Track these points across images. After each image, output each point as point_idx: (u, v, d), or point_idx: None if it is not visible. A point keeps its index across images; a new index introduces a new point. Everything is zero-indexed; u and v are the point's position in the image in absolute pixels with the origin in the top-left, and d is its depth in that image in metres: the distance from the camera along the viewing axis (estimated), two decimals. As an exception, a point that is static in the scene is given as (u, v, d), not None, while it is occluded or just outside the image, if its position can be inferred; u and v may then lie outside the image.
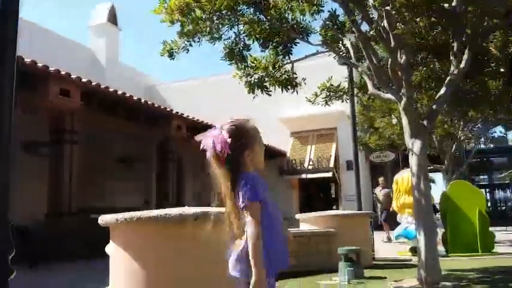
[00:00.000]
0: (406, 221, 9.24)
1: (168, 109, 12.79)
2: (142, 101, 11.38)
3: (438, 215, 10.08)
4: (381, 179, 13.59)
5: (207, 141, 1.91)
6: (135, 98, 11.00)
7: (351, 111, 10.05)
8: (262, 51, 7.26)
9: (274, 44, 7.16)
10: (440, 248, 8.11)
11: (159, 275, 3.15)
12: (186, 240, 3.19)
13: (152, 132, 12.64)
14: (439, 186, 28.10)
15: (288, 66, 7.36)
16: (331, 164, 18.04)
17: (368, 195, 18.22)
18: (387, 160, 17.03)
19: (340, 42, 7.56)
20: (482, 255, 8.46)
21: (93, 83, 9.71)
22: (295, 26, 7.02)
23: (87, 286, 5.80)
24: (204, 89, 20.98)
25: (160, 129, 12.55)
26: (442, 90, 6.03)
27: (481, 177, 29.73)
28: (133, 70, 23.29)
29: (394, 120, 14.24)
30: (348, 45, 7.18)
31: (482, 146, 22.77)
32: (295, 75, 7.37)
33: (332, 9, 7.20)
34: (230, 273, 1.89)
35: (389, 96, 6.25)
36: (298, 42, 7.22)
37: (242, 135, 1.93)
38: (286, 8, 6.91)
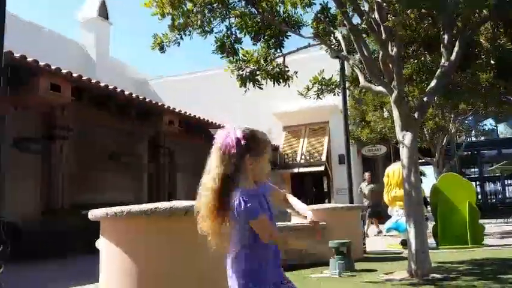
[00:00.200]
0: (397, 214, 9.29)
1: (160, 104, 12.73)
2: (134, 96, 11.31)
3: (430, 208, 10.14)
4: (366, 174, 13.61)
5: (219, 133, 1.94)
6: (126, 93, 10.93)
7: (343, 105, 10.06)
8: (253, 44, 7.25)
9: (265, 37, 7.14)
10: (431, 241, 8.16)
11: (149, 268, 3.14)
12: (177, 234, 3.18)
13: (144, 128, 12.57)
14: (430, 179, 28.30)
15: (280, 60, 7.35)
16: (323, 158, 18.09)
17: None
18: (379, 154, 17.10)
19: (332, 35, 7.55)
20: (472, 248, 8.52)
21: (83, 78, 9.63)
22: (286, 18, 7.00)
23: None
24: (197, 83, 20.90)
25: (152, 124, 12.48)
26: (433, 83, 6.05)
27: (472, 170, 29.97)
28: (124, 65, 23.15)
29: (386, 114, 14.30)
30: (340, 38, 7.17)
31: (473, 138, 22.96)
32: (286, 69, 7.36)
33: (324, 2, 7.19)
34: None
35: (380, 88, 6.26)
36: (289, 35, 7.21)
37: (251, 140, 1.92)
38: (277, 0, 6.89)
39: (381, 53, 5.99)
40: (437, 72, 6.07)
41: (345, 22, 6.29)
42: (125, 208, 3.22)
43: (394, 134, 6.77)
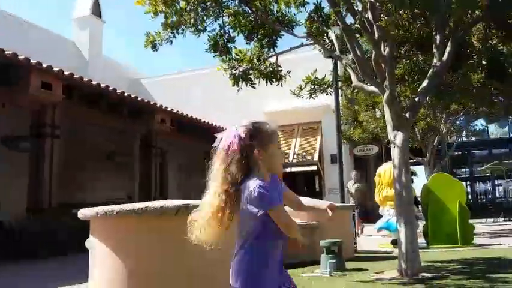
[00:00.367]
0: (388, 214, 9.33)
1: (152, 102, 12.67)
2: (126, 94, 11.25)
3: (420, 208, 10.19)
4: (353, 173, 13.60)
5: (220, 135, 1.90)
6: (118, 91, 10.86)
7: (335, 104, 10.08)
8: (247, 43, 7.24)
9: (259, 36, 7.14)
10: (421, 240, 8.21)
11: (140, 267, 3.13)
12: (168, 233, 3.17)
13: (135, 126, 12.50)
14: (421, 179, 28.47)
15: (273, 59, 7.35)
16: (316, 158, 18.11)
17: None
18: (371, 154, 17.16)
19: (325, 34, 7.56)
20: (462, 247, 8.58)
21: (75, 76, 9.56)
22: (280, 18, 7.00)
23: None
24: (189, 82, 20.84)
25: (143, 123, 12.42)
26: (425, 83, 6.08)
27: (462, 170, 30.22)
28: (117, 63, 23.02)
29: (378, 114, 14.34)
30: (333, 37, 7.18)
31: (464, 139, 23.13)
32: (279, 68, 7.36)
33: (317, 1, 7.20)
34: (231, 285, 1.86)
35: (372, 88, 6.28)
36: (283, 35, 7.21)
37: (255, 132, 1.88)
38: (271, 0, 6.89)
39: (374, 52, 6.01)
40: (429, 72, 6.10)
41: (338, 22, 6.30)
42: (115, 207, 3.21)
43: (386, 134, 6.80)
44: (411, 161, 9.39)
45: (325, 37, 7.64)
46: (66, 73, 9.25)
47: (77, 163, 11.36)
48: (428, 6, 5.69)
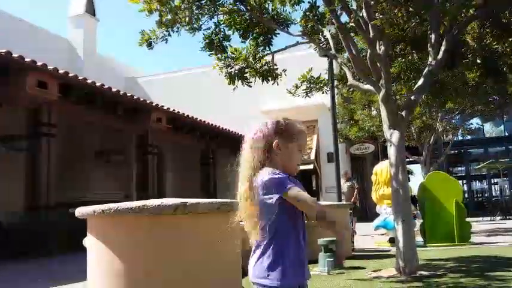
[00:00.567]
0: (385, 212, 9.34)
1: (148, 101, 12.64)
2: (121, 93, 11.22)
3: (418, 206, 10.22)
4: (344, 171, 13.57)
5: (253, 125, 1.89)
6: (113, 89, 10.83)
7: (331, 103, 10.09)
8: (242, 42, 7.23)
9: (254, 34, 7.13)
10: (418, 238, 8.23)
11: (138, 266, 3.12)
12: (166, 232, 3.15)
13: (131, 125, 12.47)
14: (417, 177, 28.57)
15: (269, 58, 7.34)
16: (312, 156, 18.13)
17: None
18: (367, 152, 17.21)
19: (320, 33, 7.57)
20: (459, 245, 8.61)
21: (70, 75, 9.52)
22: (275, 16, 6.99)
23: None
24: (185, 81, 20.83)
25: (139, 122, 12.38)
26: (420, 81, 6.09)
27: (459, 168, 30.33)
28: (112, 62, 22.97)
29: (374, 112, 14.38)
30: (328, 36, 7.18)
31: (460, 137, 23.21)
32: (275, 67, 7.35)
33: (312, 0, 7.19)
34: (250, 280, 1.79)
35: (368, 87, 6.29)
36: (278, 33, 7.20)
37: (280, 125, 1.86)
38: (266, -2, 6.88)
39: (369, 51, 6.01)
40: (425, 71, 6.12)
41: (333, 20, 6.30)
42: (113, 205, 3.18)
43: (382, 133, 6.80)
44: (407, 159, 9.41)
45: (320, 36, 7.65)
46: (61, 71, 9.21)
47: (73, 162, 11.33)
48: (422, 5, 5.71)
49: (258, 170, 1.77)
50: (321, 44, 7.60)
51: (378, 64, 6.04)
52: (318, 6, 7.24)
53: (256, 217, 1.75)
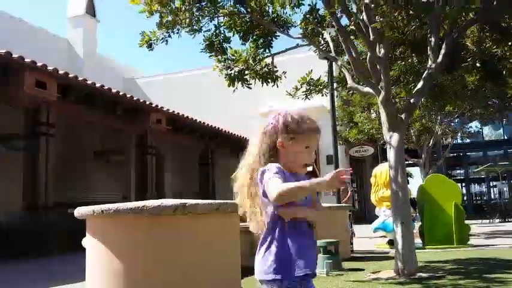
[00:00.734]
0: (384, 214, 9.35)
1: (148, 102, 12.65)
2: (121, 93, 11.23)
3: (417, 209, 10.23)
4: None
5: (269, 118, 1.86)
6: (113, 90, 10.84)
7: (331, 105, 10.11)
8: (242, 44, 7.24)
9: (254, 36, 7.15)
10: (417, 240, 8.23)
11: (137, 267, 3.12)
12: (165, 232, 3.16)
13: (131, 126, 12.48)
14: (416, 180, 28.57)
15: (268, 60, 7.36)
16: (311, 158, 18.11)
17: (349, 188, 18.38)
18: (367, 155, 17.23)
19: (320, 36, 7.58)
20: (458, 248, 8.62)
21: (70, 75, 9.53)
22: (275, 19, 7.01)
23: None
24: (185, 82, 20.84)
25: (139, 123, 12.40)
26: (420, 84, 6.10)
27: (458, 171, 30.36)
28: (112, 62, 22.99)
29: (373, 115, 14.38)
30: (328, 39, 7.20)
31: (459, 140, 23.24)
32: (275, 69, 7.36)
33: (312, 2, 7.22)
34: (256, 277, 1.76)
35: (368, 89, 6.30)
36: (278, 36, 7.22)
37: (290, 119, 1.81)
38: (266, 0, 6.89)
39: (369, 54, 6.03)
40: (424, 74, 6.13)
41: (333, 23, 6.32)
42: (113, 206, 3.19)
43: (382, 135, 6.82)
44: (407, 162, 9.43)
45: (320, 38, 7.66)
46: (60, 72, 9.23)
47: (72, 162, 11.33)
48: (423, 8, 5.73)
49: (262, 165, 1.75)
50: (321, 47, 7.62)
51: (378, 67, 6.05)
52: (318, 9, 7.26)
53: (259, 212, 1.74)
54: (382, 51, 6.02)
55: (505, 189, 26.56)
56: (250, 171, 1.78)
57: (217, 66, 7.11)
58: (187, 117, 13.99)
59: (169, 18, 6.38)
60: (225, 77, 7.11)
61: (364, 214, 20.28)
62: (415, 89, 6.25)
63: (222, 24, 6.95)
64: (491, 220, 17.29)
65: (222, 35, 7.02)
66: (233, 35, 7.08)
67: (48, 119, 9.32)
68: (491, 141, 28.72)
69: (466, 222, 9.46)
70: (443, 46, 6.00)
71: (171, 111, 13.16)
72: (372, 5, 5.78)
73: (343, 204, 9.56)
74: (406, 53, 7.66)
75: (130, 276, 3.12)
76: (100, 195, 11.59)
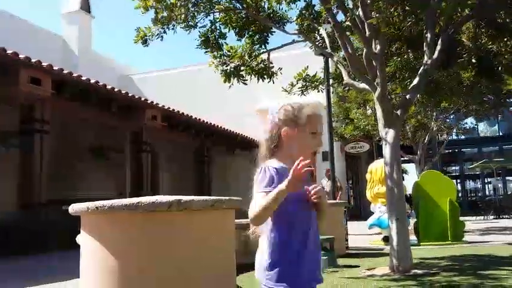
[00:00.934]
0: (379, 211, 9.37)
1: (143, 98, 12.59)
2: (116, 90, 11.17)
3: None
4: (325, 170, 13.50)
5: (266, 120, 1.84)
6: (108, 87, 10.78)
7: (327, 101, 10.10)
8: (238, 40, 7.22)
9: (250, 32, 7.12)
10: (412, 237, 8.26)
11: (131, 263, 3.10)
12: (160, 228, 3.14)
13: (126, 122, 12.42)
14: (412, 176, 28.63)
15: (264, 56, 7.34)
16: (307, 155, 18.11)
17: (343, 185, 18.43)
18: (362, 151, 17.24)
19: (316, 31, 7.57)
20: (453, 244, 8.65)
21: (64, 71, 9.47)
22: (271, 14, 6.99)
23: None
24: (180, 79, 20.78)
25: (134, 119, 12.34)
26: (416, 81, 6.11)
27: (453, 167, 30.43)
28: (107, 59, 22.88)
29: (369, 111, 14.40)
30: (324, 35, 7.19)
31: (454, 137, 23.30)
32: (271, 65, 7.35)
33: (308, -2, 7.20)
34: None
35: (364, 86, 6.30)
36: (274, 32, 7.20)
37: (292, 108, 1.78)
38: (262, -4, 6.87)
39: (365, 50, 6.02)
40: (420, 70, 6.13)
41: (329, 19, 6.30)
42: (107, 202, 3.16)
43: (377, 131, 6.82)
44: (402, 158, 9.44)
45: (316, 34, 7.65)
46: (55, 68, 9.16)
47: (67, 159, 11.27)
48: (419, 4, 5.72)
49: (267, 159, 1.74)
50: (317, 43, 7.60)
51: (374, 63, 6.05)
52: (314, 5, 7.26)
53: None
54: (378, 47, 6.01)
55: (499, 185, 26.69)
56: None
57: (213, 62, 7.08)
58: (183, 113, 13.94)
59: (165, 14, 6.34)
60: (221, 73, 7.08)
61: (360, 211, 20.32)
62: (411, 85, 6.25)
63: (217, 20, 6.92)
64: (486, 217, 17.37)
65: (218, 31, 6.99)
66: (229, 31, 7.05)
67: (43, 115, 9.25)
68: (487, 137, 28.81)
69: (461, 218, 9.51)
70: (439, 42, 6.00)
71: (166, 107, 13.11)
72: (368, 1, 5.77)
73: (339, 201, 9.57)
74: (402, 49, 7.66)
75: (124, 273, 3.10)
76: (95, 193, 11.54)
